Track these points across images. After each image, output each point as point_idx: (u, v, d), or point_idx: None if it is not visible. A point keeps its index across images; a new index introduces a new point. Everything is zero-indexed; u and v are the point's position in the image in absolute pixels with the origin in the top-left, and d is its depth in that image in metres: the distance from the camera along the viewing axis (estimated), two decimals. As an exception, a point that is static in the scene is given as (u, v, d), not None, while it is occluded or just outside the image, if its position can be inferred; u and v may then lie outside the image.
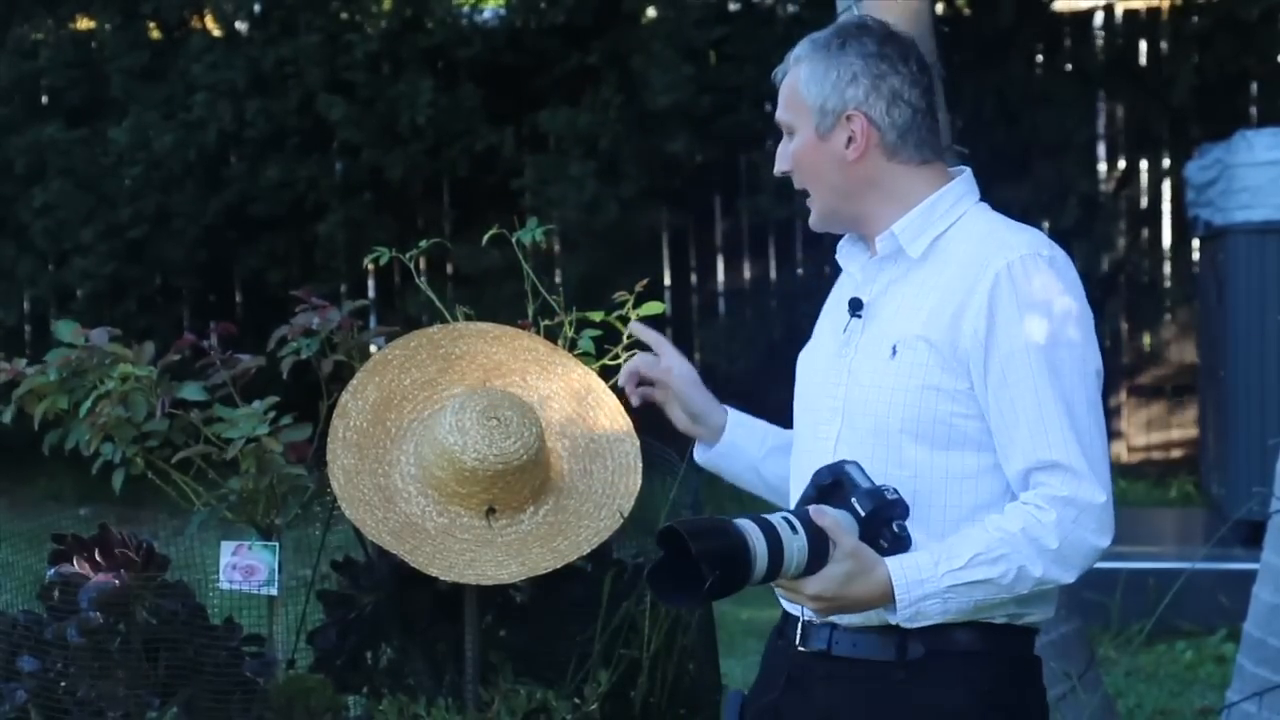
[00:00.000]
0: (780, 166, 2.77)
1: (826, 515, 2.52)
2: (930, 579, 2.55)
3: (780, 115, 2.76)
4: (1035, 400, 2.59)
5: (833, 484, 2.58)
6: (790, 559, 2.50)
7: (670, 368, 2.90)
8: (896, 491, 2.57)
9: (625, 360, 3.42)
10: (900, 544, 2.56)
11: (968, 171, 2.77)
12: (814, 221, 2.78)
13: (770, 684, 2.78)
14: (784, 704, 2.73)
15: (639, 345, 3.44)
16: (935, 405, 2.62)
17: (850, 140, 2.69)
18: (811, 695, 2.70)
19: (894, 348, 2.65)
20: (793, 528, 2.50)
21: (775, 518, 2.52)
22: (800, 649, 2.71)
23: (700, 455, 2.95)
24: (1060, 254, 2.66)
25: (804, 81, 2.71)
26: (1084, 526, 2.58)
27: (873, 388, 2.65)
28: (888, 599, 2.56)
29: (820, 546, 2.51)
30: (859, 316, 2.69)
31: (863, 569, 2.53)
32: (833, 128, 2.69)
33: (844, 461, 2.59)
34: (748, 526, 2.47)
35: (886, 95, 2.69)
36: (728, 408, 2.94)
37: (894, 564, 2.55)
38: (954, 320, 2.62)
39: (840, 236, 2.83)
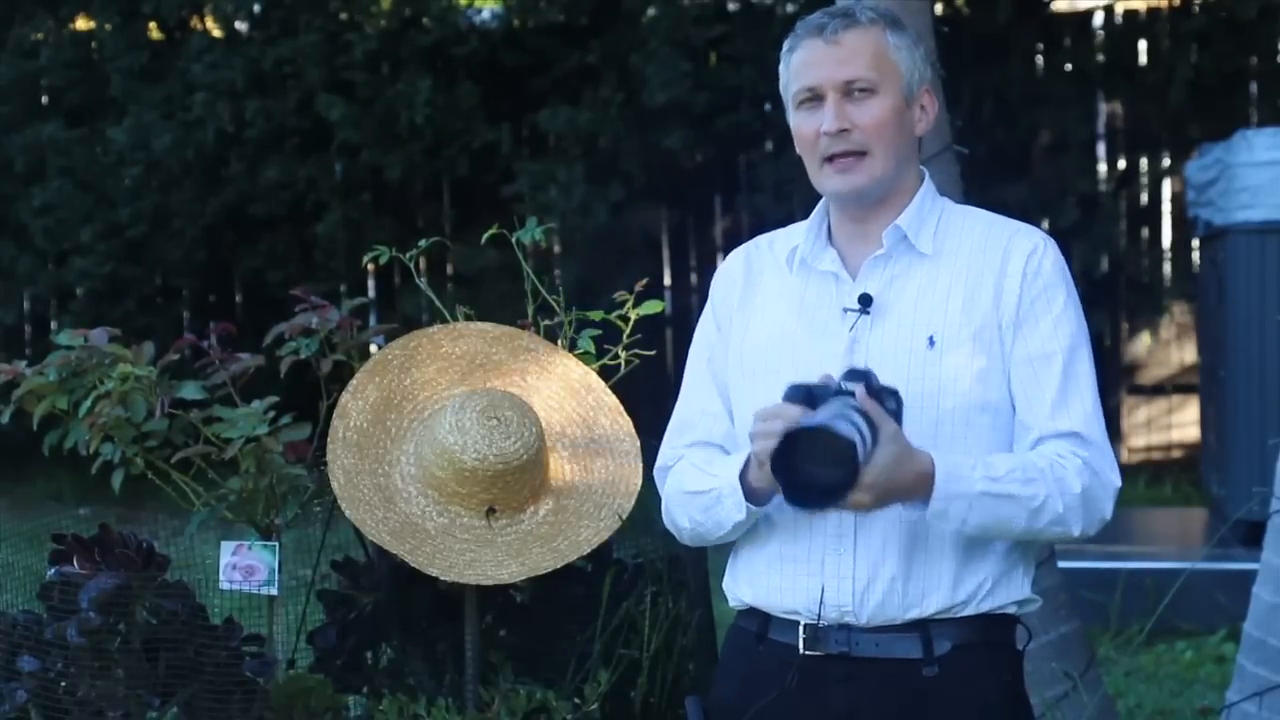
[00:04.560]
0: (840, 124, 2.68)
1: (869, 402, 2.50)
2: (967, 479, 2.56)
3: (858, 72, 2.69)
4: (1062, 375, 2.66)
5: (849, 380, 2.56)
6: (866, 441, 2.47)
7: None
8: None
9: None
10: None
11: (925, 170, 2.83)
12: (852, 187, 2.71)
13: (755, 690, 2.75)
14: (787, 709, 2.71)
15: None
16: (983, 394, 2.65)
17: (921, 114, 2.75)
18: (826, 699, 2.69)
19: (930, 338, 2.66)
20: (854, 415, 2.48)
21: (840, 409, 2.48)
22: (809, 653, 2.70)
23: (757, 508, 2.70)
24: None
25: (894, 47, 2.71)
26: (1099, 488, 2.65)
27: (905, 380, 2.63)
28: (923, 489, 2.55)
29: (874, 438, 2.48)
30: (867, 313, 2.69)
31: (907, 451, 2.52)
32: (911, 99, 2.73)
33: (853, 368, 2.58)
34: (845, 427, 2.44)
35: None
36: None
37: (937, 456, 2.56)
38: (994, 304, 2.68)
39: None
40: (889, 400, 2.54)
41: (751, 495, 2.67)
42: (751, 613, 2.79)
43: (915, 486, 2.55)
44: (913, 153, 2.77)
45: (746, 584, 2.79)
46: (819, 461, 2.44)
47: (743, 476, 2.67)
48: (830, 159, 2.71)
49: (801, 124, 2.73)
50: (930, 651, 2.66)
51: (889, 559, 2.66)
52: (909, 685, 2.66)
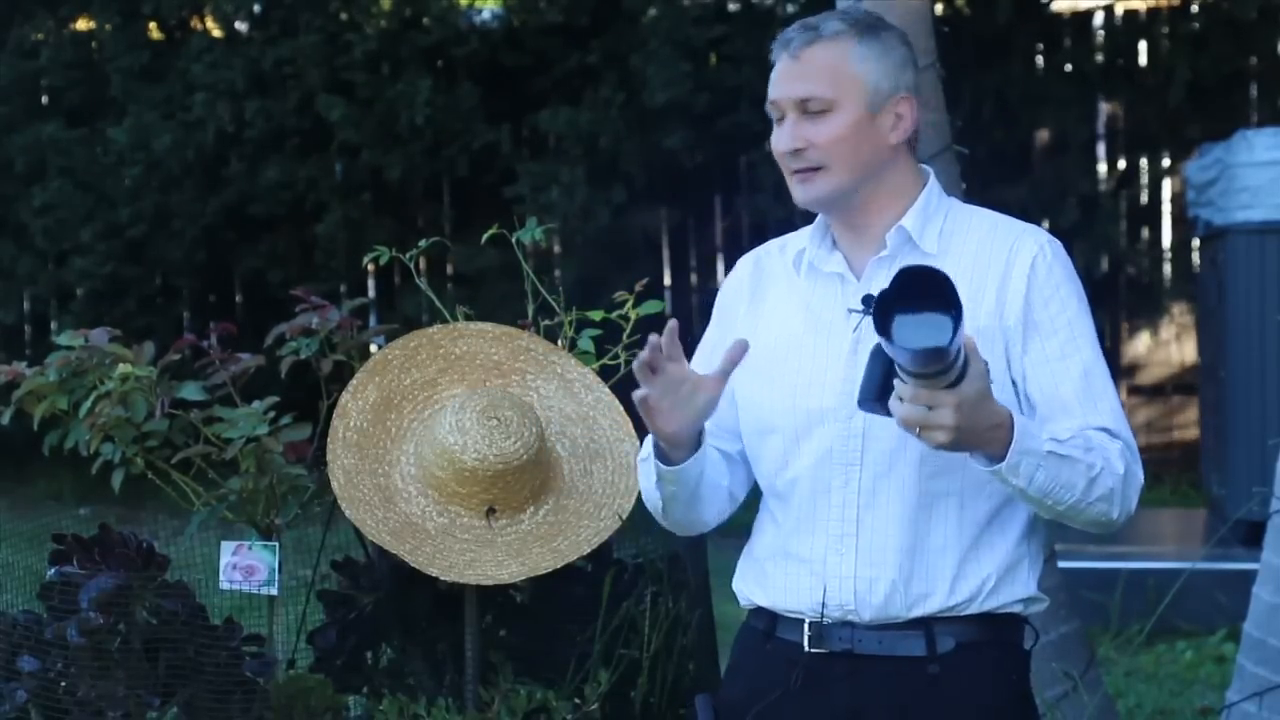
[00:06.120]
0: (792, 144, 2.68)
1: (967, 335, 2.41)
2: (1037, 438, 2.52)
3: (812, 89, 2.68)
4: (1084, 377, 2.65)
5: None
6: (960, 358, 2.38)
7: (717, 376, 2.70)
8: None
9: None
10: None
11: (931, 170, 2.81)
12: (816, 197, 2.72)
13: (762, 687, 2.75)
14: (793, 707, 2.71)
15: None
16: None
17: (897, 122, 2.71)
18: (830, 696, 2.69)
19: None
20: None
21: None
22: (813, 651, 2.70)
23: (667, 468, 2.71)
24: None
25: (859, 58, 2.68)
26: (1133, 476, 2.62)
27: None
28: (1000, 440, 2.47)
29: (965, 367, 2.40)
30: (870, 313, 2.69)
31: (990, 394, 2.45)
32: (881, 108, 2.70)
33: None
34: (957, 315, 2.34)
35: (915, 87, 2.75)
36: None
37: (1013, 411, 2.50)
38: (997, 305, 2.66)
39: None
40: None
41: (661, 454, 2.68)
42: (760, 611, 2.80)
43: (991, 435, 2.47)
44: (891, 160, 2.72)
45: (754, 583, 2.80)
46: (915, 328, 2.33)
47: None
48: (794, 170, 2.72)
49: (773, 137, 2.75)
50: (933, 650, 2.66)
51: (890, 560, 2.66)
52: (912, 683, 2.66)
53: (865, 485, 2.66)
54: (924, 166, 2.80)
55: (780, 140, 2.70)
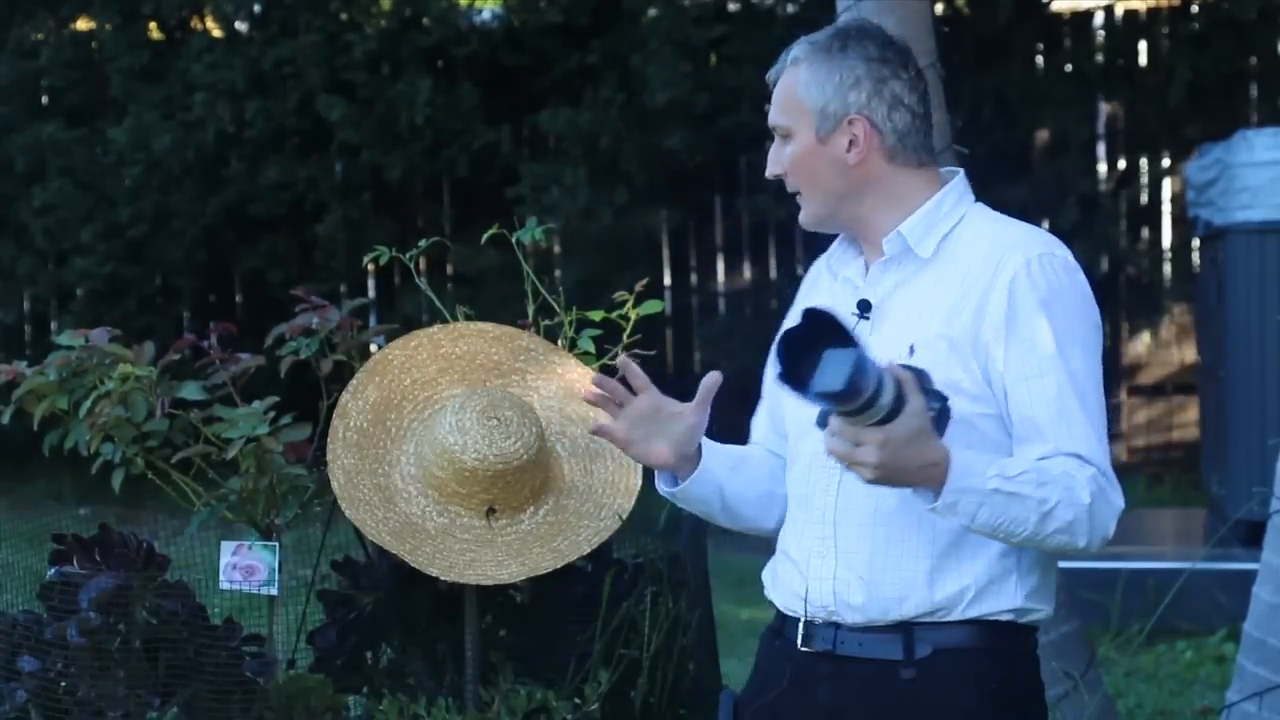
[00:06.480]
0: (773, 170, 2.76)
1: (904, 372, 2.41)
2: (980, 474, 2.50)
3: (775, 118, 2.74)
4: (1058, 394, 2.60)
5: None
6: (885, 397, 2.37)
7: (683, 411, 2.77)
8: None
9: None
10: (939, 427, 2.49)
11: (961, 173, 2.78)
12: (806, 221, 2.78)
13: (769, 685, 2.78)
14: (785, 704, 2.73)
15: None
16: (958, 404, 2.57)
17: (852, 144, 2.69)
18: (815, 695, 2.71)
19: (911, 347, 2.62)
20: (884, 370, 2.38)
21: (873, 359, 2.40)
22: (803, 649, 2.72)
23: (670, 485, 2.82)
24: (1070, 254, 2.70)
25: (804, 84, 2.70)
26: (1105, 503, 2.59)
27: None
28: (935, 478, 2.47)
29: (897, 405, 2.39)
30: (866, 318, 2.69)
31: (926, 434, 2.43)
32: (833, 131, 2.69)
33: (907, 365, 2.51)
34: (869, 358, 2.33)
35: (888, 99, 2.70)
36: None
37: (953, 449, 2.48)
38: (975, 316, 2.63)
39: (824, 243, 2.85)
40: (932, 400, 2.47)
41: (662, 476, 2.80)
42: (776, 608, 2.82)
43: (926, 473, 2.48)
44: (864, 181, 2.71)
45: (769, 580, 2.83)
46: (819, 367, 2.33)
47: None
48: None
49: None
50: (910, 654, 2.66)
51: (860, 561, 2.66)
52: (889, 686, 2.66)
53: (844, 489, 2.67)
54: (949, 170, 2.78)
55: (768, 166, 2.78)
